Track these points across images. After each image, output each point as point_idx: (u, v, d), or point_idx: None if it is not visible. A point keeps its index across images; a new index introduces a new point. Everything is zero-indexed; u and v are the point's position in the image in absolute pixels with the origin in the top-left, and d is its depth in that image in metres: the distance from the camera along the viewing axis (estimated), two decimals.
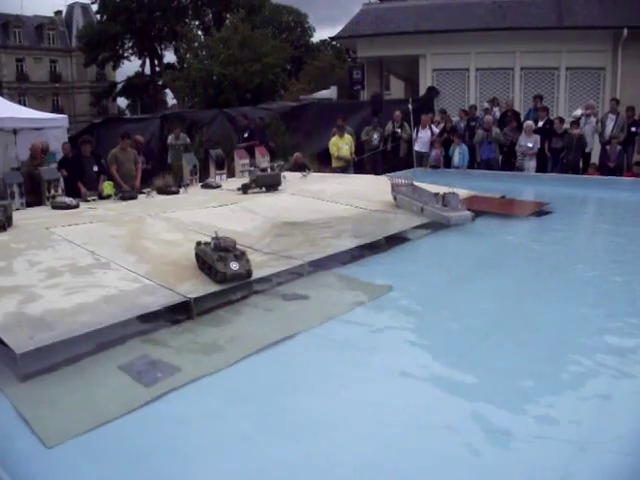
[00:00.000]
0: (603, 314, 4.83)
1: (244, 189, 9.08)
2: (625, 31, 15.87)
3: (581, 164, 12.70)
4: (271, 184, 9.22)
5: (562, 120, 12.87)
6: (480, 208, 8.31)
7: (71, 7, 59.89)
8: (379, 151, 14.23)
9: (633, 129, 12.32)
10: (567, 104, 16.70)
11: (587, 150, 12.65)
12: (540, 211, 8.69)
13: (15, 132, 14.47)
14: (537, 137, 12.56)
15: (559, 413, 3.27)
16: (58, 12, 60.63)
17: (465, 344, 4.22)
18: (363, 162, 14.11)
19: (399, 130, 14.24)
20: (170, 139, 14.04)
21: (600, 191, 10.79)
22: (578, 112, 13.44)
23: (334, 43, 36.59)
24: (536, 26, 16.81)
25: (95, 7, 49.71)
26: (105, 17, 47.96)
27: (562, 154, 12.45)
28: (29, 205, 8.73)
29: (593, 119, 12.80)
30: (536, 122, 12.99)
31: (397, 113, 14.39)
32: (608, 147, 12.26)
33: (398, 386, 3.68)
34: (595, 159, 12.77)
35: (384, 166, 13.60)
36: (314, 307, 4.95)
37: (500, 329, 4.52)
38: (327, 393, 3.58)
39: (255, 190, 9.07)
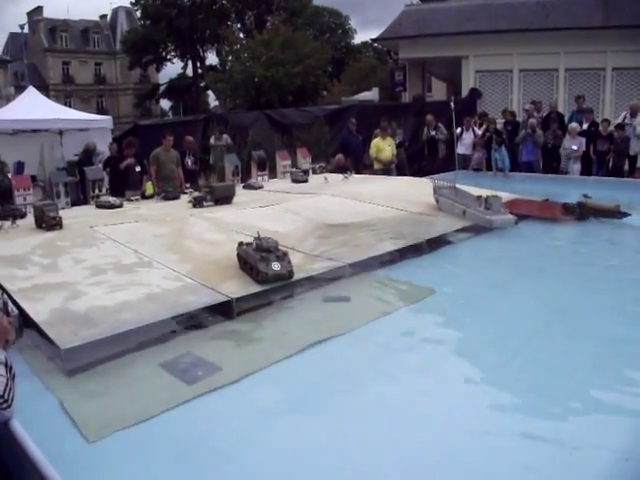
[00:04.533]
0: None
1: (196, 202, 8.34)
2: None
3: (627, 167, 12.39)
4: (225, 196, 8.48)
5: (608, 122, 12.59)
6: (523, 211, 8.16)
7: (115, 11, 61.09)
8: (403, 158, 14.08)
9: None
10: (613, 106, 16.31)
11: (631, 153, 12.32)
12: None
13: (61, 133, 14.79)
14: (582, 139, 12.31)
15: (605, 421, 3.19)
16: (103, 16, 61.98)
17: (506, 349, 4.15)
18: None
19: (434, 132, 14.09)
20: (212, 140, 14.14)
21: None
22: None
23: (375, 45, 36.45)
24: (581, 26, 16.48)
25: (139, 12, 50.68)
26: (147, 21, 48.80)
27: (608, 157, 12.17)
28: None
29: (638, 119, 12.47)
30: (581, 124, 12.74)
31: (429, 117, 14.23)
32: None
33: (437, 389, 3.64)
34: None
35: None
36: (355, 309, 4.93)
37: (542, 334, 4.42)
38: (367, 395, 3.56)
39: (209, 204, 8.32)
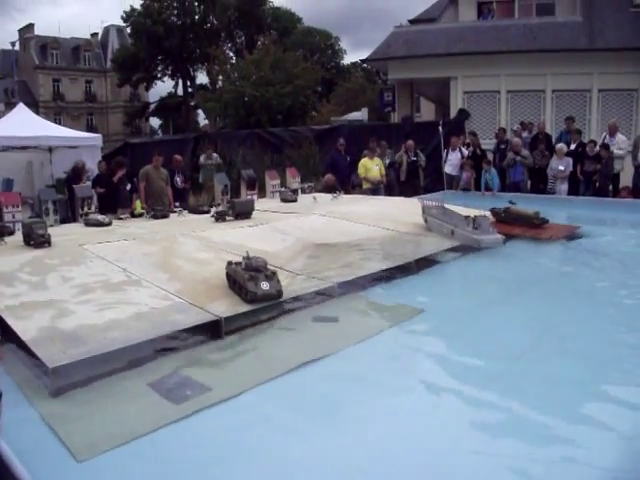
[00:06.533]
0: (635, 340, 4.72)
1: (219, 216, 8.59)
2: None
3: (611, 187, 12.54)
4: (245, 211, 8.70)
5: (594, 143, 12.74)
6: (511, 231, 8.24)
7: (107, 29, 61.39)
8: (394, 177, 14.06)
9: None
10: (599, 126, 16.51)
11: (614, 172, 12.47)
12: (572, 235, 8.58)
13: (51, 150, 14.79)
14: (569, 160, 12.43)
15: (593, 440, 3.21)
16: (94, 34, 62.22)
17: (495, 369, 4.16)
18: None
19: (415, 158, 13.94)
20: (202, 159, 14.17)
21: (633, 214, 10.61)
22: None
23: (365, 65, 36.78)
24: (567, 48, 16.77)
25: (129, 30, 51.05)
26: (137, 40, 49.07)
27: (594, 177, 12.30)
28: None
29: (616, 139, 12.66)
30: (568, 145, 12.88)
31: (410, 142, 14.02)
32: None
33: (426, 409, 3.65)
34: (627, 182, 12.59)
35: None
36: (344, 329, 4.95)
37: (530, 354, 4.45)
38: (355, 414, 3.55)
39: (230, 218, 8.55)
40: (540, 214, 8.78)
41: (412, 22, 24.31)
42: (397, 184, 13.85)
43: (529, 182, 13.39)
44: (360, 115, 29.08)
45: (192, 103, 49.27)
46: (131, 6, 49.20)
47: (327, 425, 3.47)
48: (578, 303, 5.77)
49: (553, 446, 3.17)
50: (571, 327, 5.05)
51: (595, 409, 3.61)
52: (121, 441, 3.20)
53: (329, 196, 11.08)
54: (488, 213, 8.40)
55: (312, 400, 3.78)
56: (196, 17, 49.41)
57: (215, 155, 14.14)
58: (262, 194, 11.50)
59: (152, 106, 56.79)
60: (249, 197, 10.01)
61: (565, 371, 4.10)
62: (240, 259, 5.39)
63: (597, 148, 12.39)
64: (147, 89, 55.99)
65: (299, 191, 11.46)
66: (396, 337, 4.78)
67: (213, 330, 4.70)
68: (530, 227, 8.56)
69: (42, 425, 3.40)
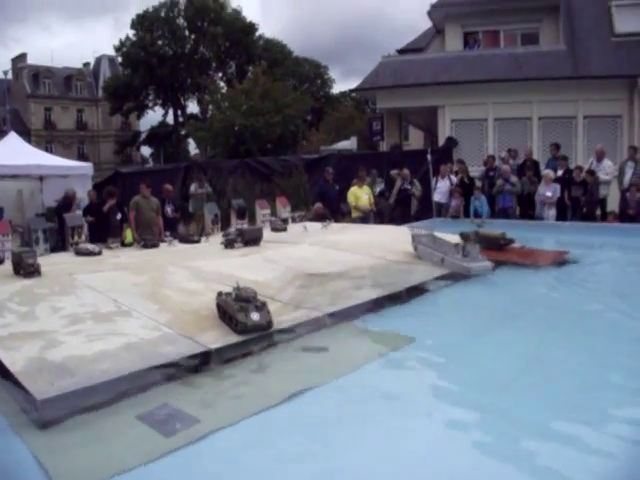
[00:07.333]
0: (625, 365, 4.73)
1: (228, 243, 8.83)
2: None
3: (599, 212, 12.69)
4: (254, 238, 8.97)
5: (581, 169, 12.91)
6: (500, 258, 8.28)
7: (99, 59, 61.96)
8: (386, 205, 14.19)
9: None
10: (586, 152, 16.75)
11: (600, 197, 12.63)
12: (561, 260, 8.64)
13: (41, 179, 14.80)
14: (557, 186, 12.59)
15: (582, 465, 3.22)
16: (86, 64, 62.70)
17: (486, 397, 4.16)
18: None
19: (409, 186, 14.17)
20: (193, 187, 14.15)
21: (619, 238, 10.72)
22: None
23: (354, 94, 37.15)
24: (552, 76, 17.08)
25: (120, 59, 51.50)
26: (129, 70, 49.48)
27: (582, 202, 12.43)
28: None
29: (603, 164, 12.85)
30: (555, 171, 13.04)
31: (406, 171, 14.27)
32: (628, 194, 12.22)
33: (418, 439, 3.63)
34: (614, 207, 12.74)
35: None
36: (334, 359, 4.94)
37: (521, 381, 4.45)
38: (346, 446, 3.54)
39: (239, 245, 8.79)
40: (506, 235, 8.99)
41: (400, 52, 24.66)
42: (388, 211, 13.97)
43: (518, 208, 13.52)
44: (349, 144, 29.28)
45: (183, 132, 49.58)
46: (126, 36, 49.67)
47: (318, 455, 3.45)
48: (567, 329, 5.78)
49: (544, 473, 3.17)
50: (559, 354, 5.05)
51: (583, 435, 3.60)
52: (109, 474, 3.16)
53: (319, 225, 11.12)
54: (457, 237, 8.42)
55: (303, 431, 3.76)
56: (187, 47, 49.91)
57: (206, 184, 14.17)
58: (252, 223, 11.53)
59: (143, 135, 57.03)
60: (259, 225, 10.10)
61: (556, 397, 4.10)
62: (230, 289, 5.40)
63: (583, 174, 12.56)
64: (139, 118, 56.31)
65: (289, 220, 11.50)
66: (387, 366, 4.78)
67: (203, 361, 4.69)
68: (497, 248, 8.65)
69: (30, 458, 3.35)
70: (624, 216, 12.10)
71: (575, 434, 3.61)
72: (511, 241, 9.01)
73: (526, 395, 4.19)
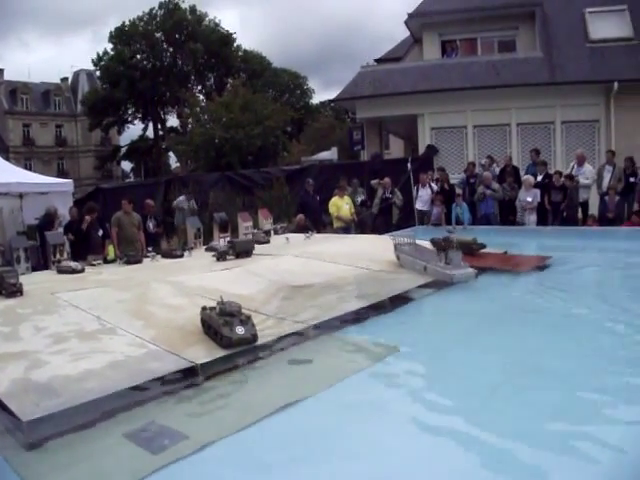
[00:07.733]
0: (608, 369, 4.79)
1: (220, 256, 8.84)
2: (615, 84, 16.37)
3: (581, 215, 12.86)
4: (245, 250, 8.99)
5: (560, 173, 13.07)
6: (483, 264, 8.34)
7: (77, 74, 61.63)
8: (368, 214, 14.27)
9: (632, 179, 12.48)
10: (564, 157, 16.99)
11: (580, 200, 12.80)
12: (543, 265, 8.72)
13: (21, 196, 14.66)
14: (537, 191, 12.73)
15: (572, 471, 3.25)
16: (64, 79, 62.33)
17: (472, 404, 4.19)
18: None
19: (391, 195, 14.27)
20: (181, 199, 13.99)
21: (599, 241, 10.85)
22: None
23: (333, 104, 37.31)
24: (529, 83, 17.32)
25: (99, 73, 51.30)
26: (108, 84, 49.30)
27: (562, 207, 12.58)
28: None
29: (584, 169, 13.03)
30: (535, 176, 13.18)
31: (387, 180, 14.43)
32: (607, 198, 12.40)
33: (405, 449, 3.65)
34: (594, 210, 12.91)
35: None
36: (320, 371, 4.95)
37: (506, 387, 4.49)
38: (335, 457, 3.55)
39: (231, 257, 8.81)
40: (477, 240, 9.07)
41: (378, 61, 24.88)
42: (370, 221, 14.04)
43: (498, 215, 13.64)
44: (330, 154, 29.41)
45: (163, 146, 49.45)
46: (104, 50, 49.50)
47: (306, 467, 3.46)
48: (551, 334, 5.82)
49: (531, 479, 3.20)
50: (545, 358, 5.09)
51: (571, 439, 3.63)
52: None
53: (302, 236, 11.12)
54: (428, 243, 8.46)
55: (290, 444, 3.76)
56: (165, 60, 49.89)
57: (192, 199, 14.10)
58: (235, 236, 11.50)
59: (123, 150, 56.80)
60: (249, 236, 10.21)
61: (541, 403, 4.13)
62: (214, 304, 5.40)
63: (562, 179, 12.73)
64: (119, 132, 56.12)
65: (272, 232, 11.49)
66: (372, 376, 4.79)
67: (189, 376, 4.68)
68: (469, 253, 8.63)
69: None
70: (603, 219, 12.27)
71: (562, 439, 3.64)
72: (483, 246, 9.07)
73: (512, 401, 4.22)
